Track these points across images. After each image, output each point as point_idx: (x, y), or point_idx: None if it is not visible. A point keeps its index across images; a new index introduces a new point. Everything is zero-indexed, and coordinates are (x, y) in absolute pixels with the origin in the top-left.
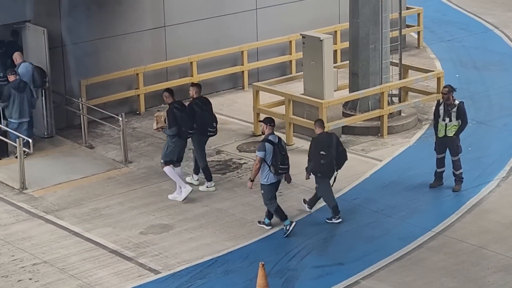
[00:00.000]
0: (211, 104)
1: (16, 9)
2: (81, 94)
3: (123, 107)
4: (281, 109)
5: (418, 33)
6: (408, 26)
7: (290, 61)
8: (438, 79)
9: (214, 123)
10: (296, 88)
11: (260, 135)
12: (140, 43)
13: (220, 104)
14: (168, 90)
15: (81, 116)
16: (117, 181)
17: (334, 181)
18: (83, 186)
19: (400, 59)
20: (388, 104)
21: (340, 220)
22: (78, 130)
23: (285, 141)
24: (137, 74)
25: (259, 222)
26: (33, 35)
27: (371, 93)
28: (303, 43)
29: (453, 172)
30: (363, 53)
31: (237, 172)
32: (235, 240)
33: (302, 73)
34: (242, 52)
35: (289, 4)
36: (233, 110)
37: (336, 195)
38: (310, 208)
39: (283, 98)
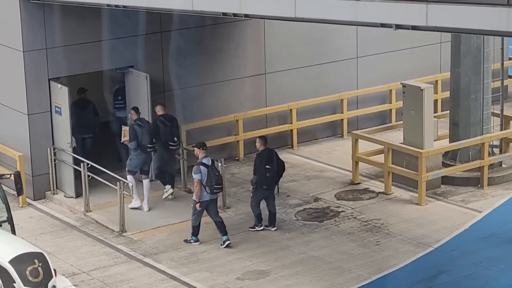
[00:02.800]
0: (176, 121)
1: (120, 55)
2: (182, 139)
3: (223, 152)
4: (380, 158)
5: None
6: (510, 77)
7: (390, 110)
8: None
9: (175, 138)
10: (396, 137)
11: (359, 183)
12: (241, 89)
13: (319, 151)
14: (134, 108)
15: (181, 160)
16: (215, 226)
17: (278, 191)
18: (181, 230)
19: (502, 110)
20: (489, 155)
21: (262, 227)
22: (177, 175)
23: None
24: (237, 120)
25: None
26: (136, 80)
27: (472, 143)
28: (404, 92)
29: None
30: (464, 103)
31: (335, 220)
32: None
33: (401, 122)
34: (341, 100)
35: (389, 53)
36: (332, 158)
37: (434, 245)
38: (274, 226)
39: (382, 146)
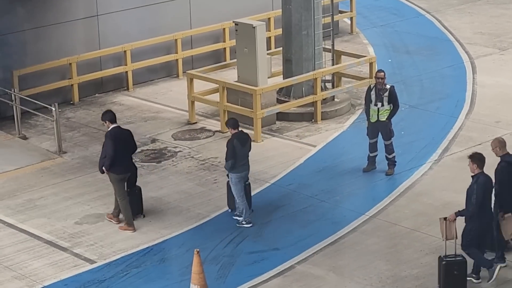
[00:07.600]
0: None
1: None
2: (14, 84)
3: (57, 97)
4: (215, 97)
5: (351, 19)
6: (341, 12)
7: (224, 48)
8: (371, 64)
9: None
10: (230, 76)
11: (195, 123)
12: (73, 32)
13: (155, 92)
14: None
15: (14, 106)
16: (51, 172)
17: None
18: (17, 177)
19: (333, 45)
20: (322, 90)
21: None
22: (11, 121)
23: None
24: (70, 63)
25: None
26: None
27: (305, 79)
28: (236, 30)
29: (386, 156)
30: (296, 40)
31: (172, 161)
32: (170, 228)
33: (235, 60)
34: (176, 40)
35: None
36: (168, 99)
37: (271, 181)
38: None
39: (217, 85)
